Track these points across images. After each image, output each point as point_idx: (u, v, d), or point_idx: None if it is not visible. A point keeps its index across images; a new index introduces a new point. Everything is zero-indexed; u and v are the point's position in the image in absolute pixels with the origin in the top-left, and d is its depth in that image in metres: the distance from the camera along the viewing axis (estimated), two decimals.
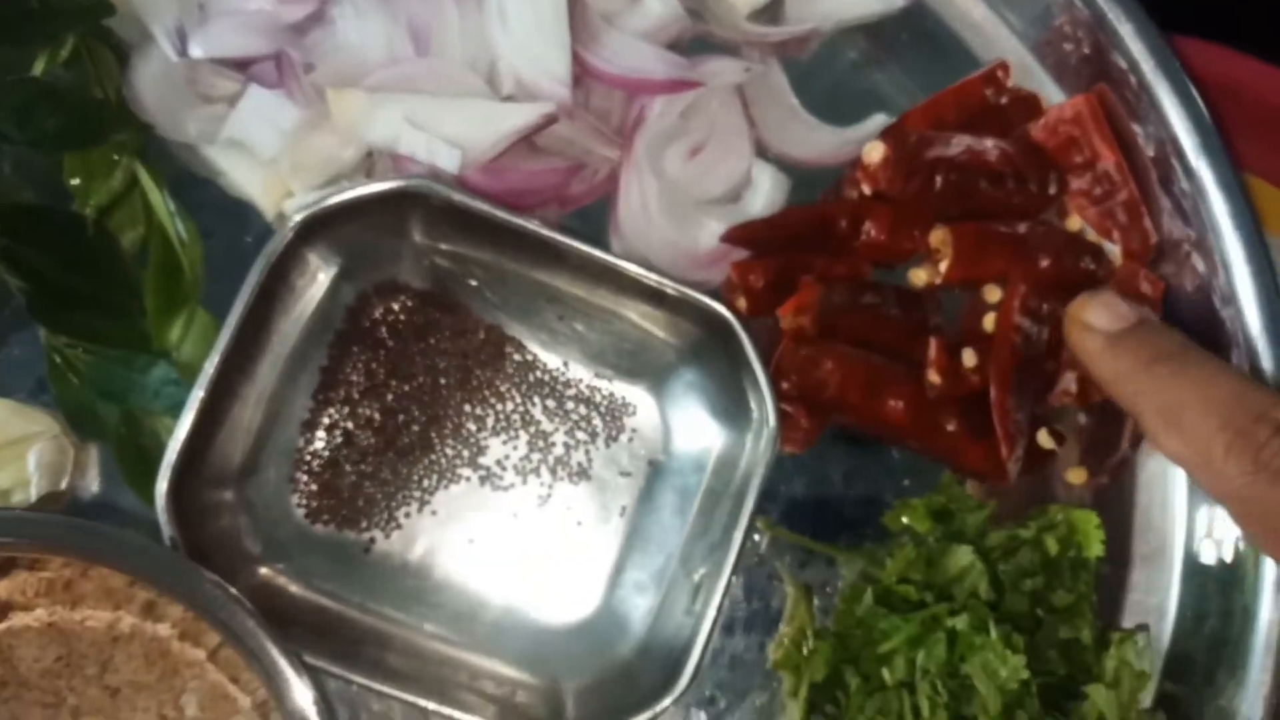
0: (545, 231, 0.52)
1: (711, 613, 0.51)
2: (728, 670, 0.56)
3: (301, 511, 0.55)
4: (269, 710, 0.51)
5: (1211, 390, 0.49)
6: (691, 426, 0.56)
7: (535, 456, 0.57)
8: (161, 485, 0.49)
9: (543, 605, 0.55)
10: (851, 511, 0.59)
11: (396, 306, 0.56)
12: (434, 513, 0.56)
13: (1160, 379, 0.50)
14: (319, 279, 0.55)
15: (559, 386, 0.57)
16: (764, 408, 0.53)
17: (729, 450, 0.55)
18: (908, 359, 0.58)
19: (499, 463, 0.56)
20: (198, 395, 0.50)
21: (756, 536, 0.57)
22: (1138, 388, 0.51)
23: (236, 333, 0.51)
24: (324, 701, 0.48)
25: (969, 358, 0.57)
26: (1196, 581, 0.58)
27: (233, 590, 0.48)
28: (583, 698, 0.52)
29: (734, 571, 0.52)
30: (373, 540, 0.55)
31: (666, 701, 0.50)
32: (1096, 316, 0.54)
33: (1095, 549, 0.55)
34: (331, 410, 0.55)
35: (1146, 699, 0.55)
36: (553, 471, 0.56)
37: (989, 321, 0.58)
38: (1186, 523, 0.58)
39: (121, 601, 0.51)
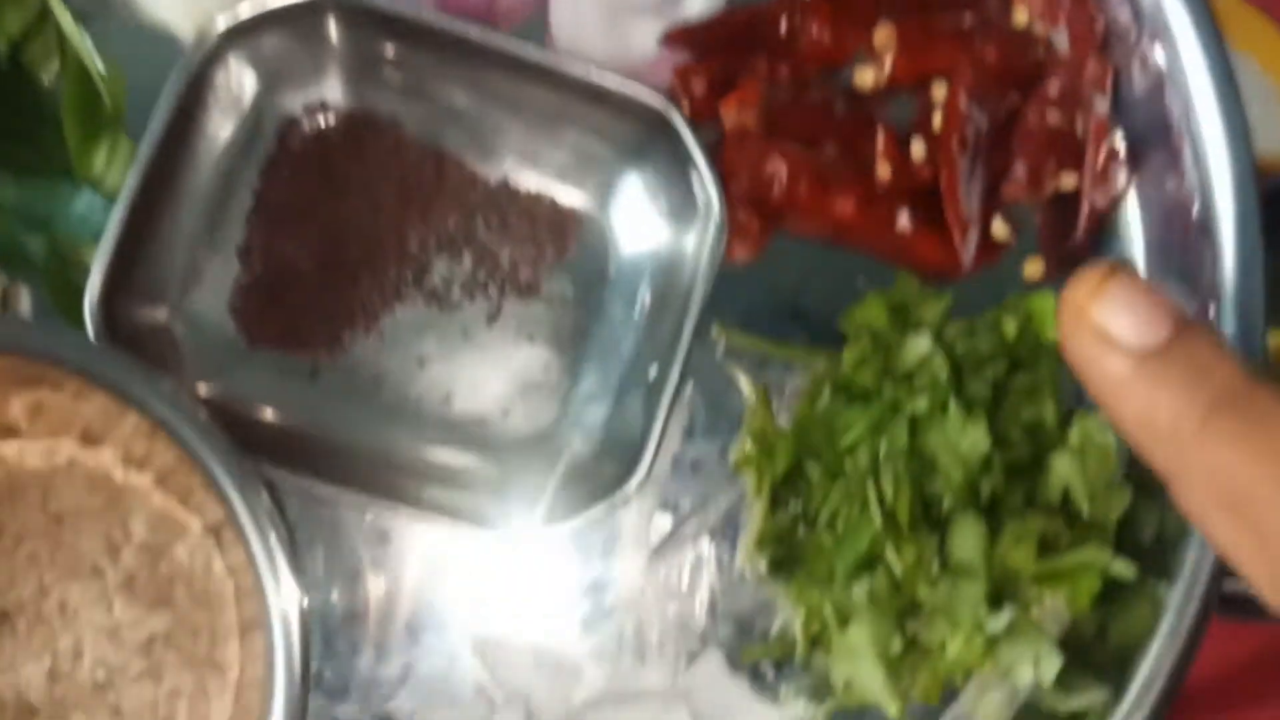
0: (478, 34, 0.51)
1: (665, 403, 0.50)
2: (690, 476, 0.56)
3: (242, 337, 0.54)
4: (221, 530, 0.50)
5: None
6: (638, 232, 0.55)
7: (481, 274, 0.55)
8: (90, 299, 0.47)
9: (497, 420, 0.54)
10: (807, 320, 0.58)
11: (326, 126, 0.54)
12: (380, 335, 0.55)
13: (1219, 443, 0.34)
14: (243, 98, 0.53)
15: (501, 201, 0.55)
16: (709, 203, 0.52)
17: (676, 251, 0.54)
18: (856, 158, 0.57)
19: (444, 282, 0.55)
20: (119, 210, 0.48)
21: (714, 344, 0.56)
22: (1183, 453, 0.35)
23: (157, 150, 0.49)
24: (281, 515, 0.47)
25: (918, 149, 0.56)
26: None
27: (188, 395, 0.46)
28: (540, 499, 0.51)
29: (689, 374, 0.52)
30: (317, 363, 0.54)
31: (626, 490, 0.50)
32: (1118, 320, 0.36)
33: (1054, 327, 0.54)
34: (266, 234, 0.54)
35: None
36: (500, 288, 0.55)
37: (937, 119, 0.57)
38: None
39: (59, 429, 0.49)
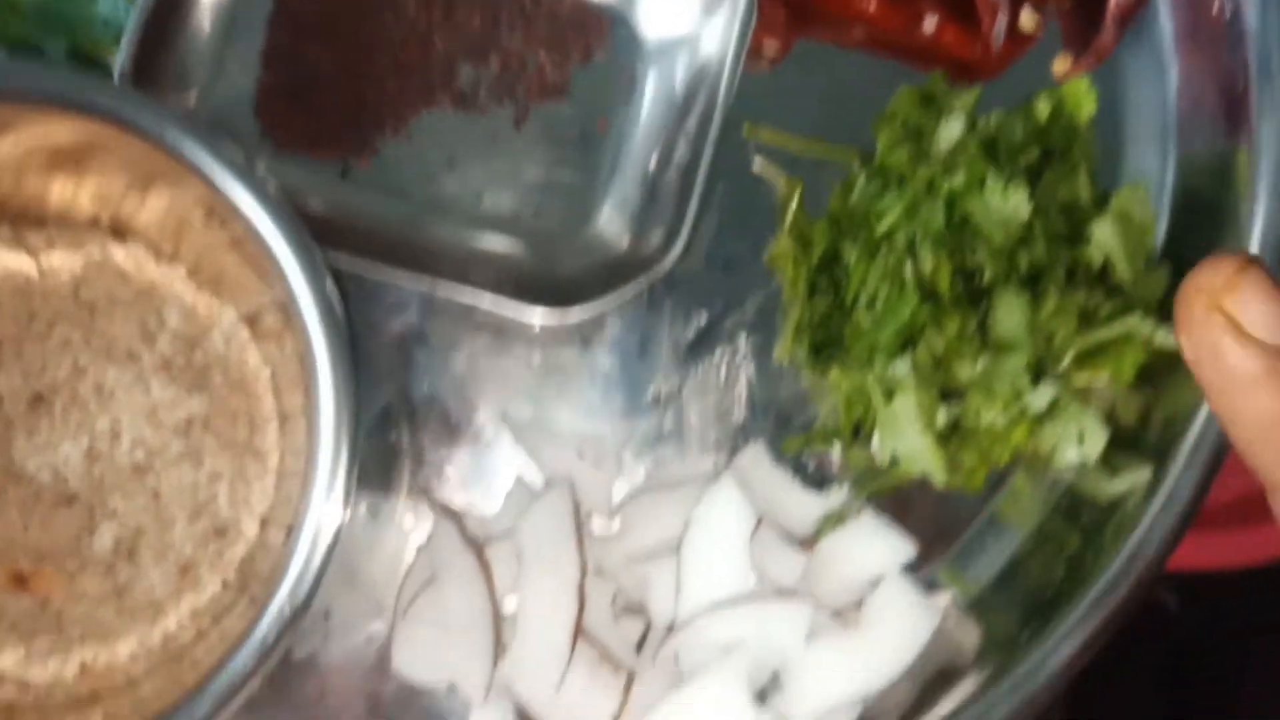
0: None
1: (697, 190, 0.50)
2: (723, 275, 0.55)
3: (268, 141, 0.53)
4: (258, 318, 0.49)
5: None
6: (665, 25, 0.54)
7: (508, 77, 0.55)
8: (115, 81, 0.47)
9: (529, 218, 0.54)
10: (837, 124, 0.57)
11: None
12: (409, 137, 0.54)
13: None
14: None
15: (525, 3, 0.55)
16: None
17: (703, 42, 0.53)
18: None
19: (471, 85, 0.54)
20: (139, 12, 0.48)
21: (744, 146, 0.55)
22: None
23: None
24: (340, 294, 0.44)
25: None
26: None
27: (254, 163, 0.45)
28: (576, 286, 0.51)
29: (719, 176, 0.51)
30: (347, 164, 0.53)
31: (662, 265, 0.49)
32: (1254, 315, 0.34)
33: (1087, 108, 0.54)
34: (289, 38, 0.53)
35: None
36: (527, 91, 0.55)
37: None
38: (1176, 101, 0.57)
39: (99, 206, 0.48)
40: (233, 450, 0.48)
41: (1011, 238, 0.49)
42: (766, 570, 0.50)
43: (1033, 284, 0.50)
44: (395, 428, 0.53)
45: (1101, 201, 0.54)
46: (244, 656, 0.42)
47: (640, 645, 0.50)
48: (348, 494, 0.43)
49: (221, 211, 0.44)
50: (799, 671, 0.49)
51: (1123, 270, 0.51)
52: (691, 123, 0.53)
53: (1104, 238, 0.51)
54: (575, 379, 0.54)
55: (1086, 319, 0.51)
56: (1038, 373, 0.51)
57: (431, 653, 0.50)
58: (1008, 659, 0.52)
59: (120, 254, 0.49)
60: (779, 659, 0.48)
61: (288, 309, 0.45)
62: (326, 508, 0.42)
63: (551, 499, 0.50)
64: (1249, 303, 0.34)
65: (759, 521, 0.50)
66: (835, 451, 0.54)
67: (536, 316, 0.50)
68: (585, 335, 0.54)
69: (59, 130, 0.43)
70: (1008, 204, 0.50)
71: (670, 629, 0.49)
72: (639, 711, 0.48)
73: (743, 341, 0.55)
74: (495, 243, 0.53)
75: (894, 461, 0.51)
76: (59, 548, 0.47)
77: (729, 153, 0.53)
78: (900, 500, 0.54)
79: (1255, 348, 0.34)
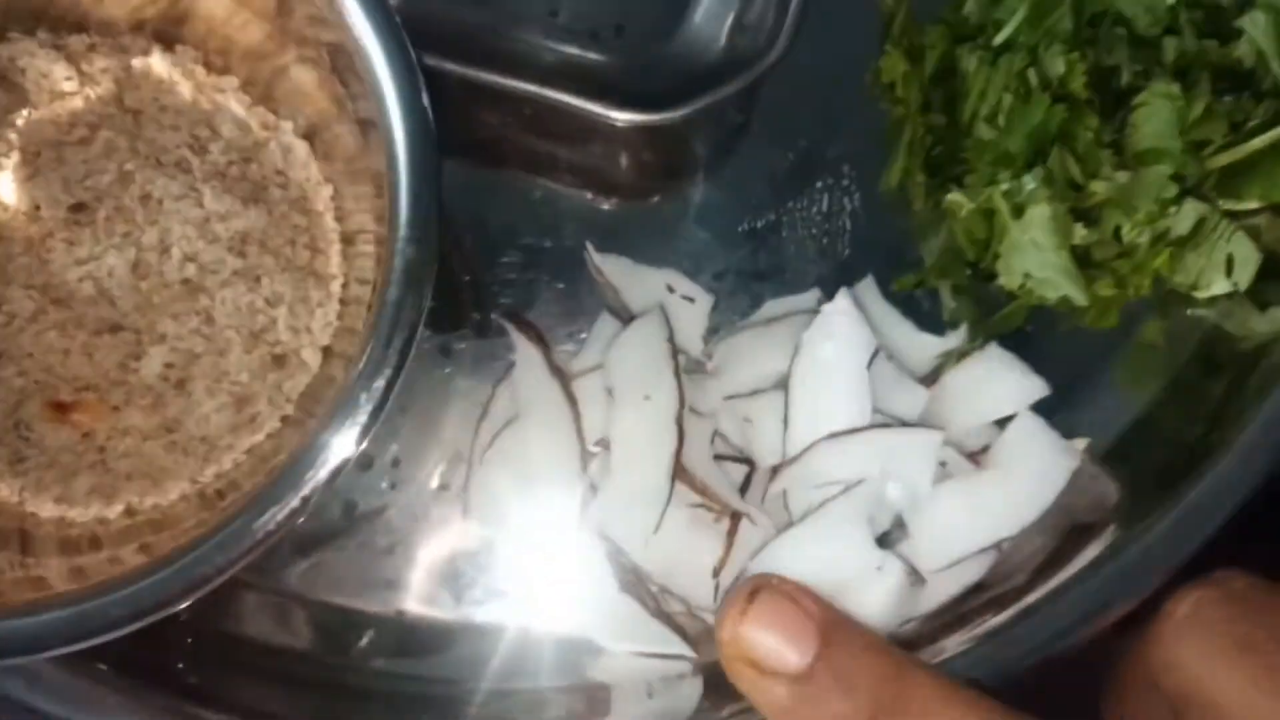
0: None
1: None
2: (821, 98, 0.50)
3: None
4: (316, 135, 0.45)
5: None
6: None
7: None
8: None
9: (610, 35, 0.49)
10: None
11: None
12: None
13: None
14: None
15: None
16: None
17: None
18: None
19: None
20: None
21: None
22: None
23: None
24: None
25: None
26: None
27: None
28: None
29: None
30: None
31: (765, 62, 0.44)
32: (766, 645, 0.36)
33: None
34: None
35: None
36: None
37: None
38: None
39: (140, 21, 0.44)
40: (293, 273, 0.43)
41: (1158, 23, 0.44)
42: (884, 404, 0.45)
43: (1179, 83, 0.45)
44: (466, 258, 0.48)
45: (1244, 7, 0.48)
46: (283, 501, 0.36)
47: (744, 490, 0.45)
48: (417, 329, 0.37)
49: (300, 4, 0.40)
50: (926, 514, 0.43)
51: (1276, 71, 0.46)
52: None
53: (1256, 32, 0.45)
54: (664, 210, 0.49)
55: (1236, 128, 0.46)
56: (1183, 191, 0.45)
57: (511, 498, 0.45)
58: (1143, 516, 0.46)
59: (167, 61, 0.44)
60: (904, 499, 0.43)
61: (362, 123, 0.41)
62: (394, 342, 0.37)
63: (643, 325, 0.45)
64: (762, 634, 0.36)
65: (876, 350, 0.44)
66: (947, 296, 0.49)
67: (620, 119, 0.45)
68: (672, 164, 0.49)
69: None
70: None
71: (777, 470, 0.44)
72: (743, 561, 0.43)
73: (845, 171, 0.50)
74: (576, 56, 0.48)
75: (1023, 289, 0.45)
76: (103, 376, 0.43)
77: None
78: (1021, 344, 0.48)
79: (778, 679, 0.35)
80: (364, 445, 0.35)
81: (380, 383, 0.36)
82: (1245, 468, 0.47)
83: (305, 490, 0.35)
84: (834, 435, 0.43)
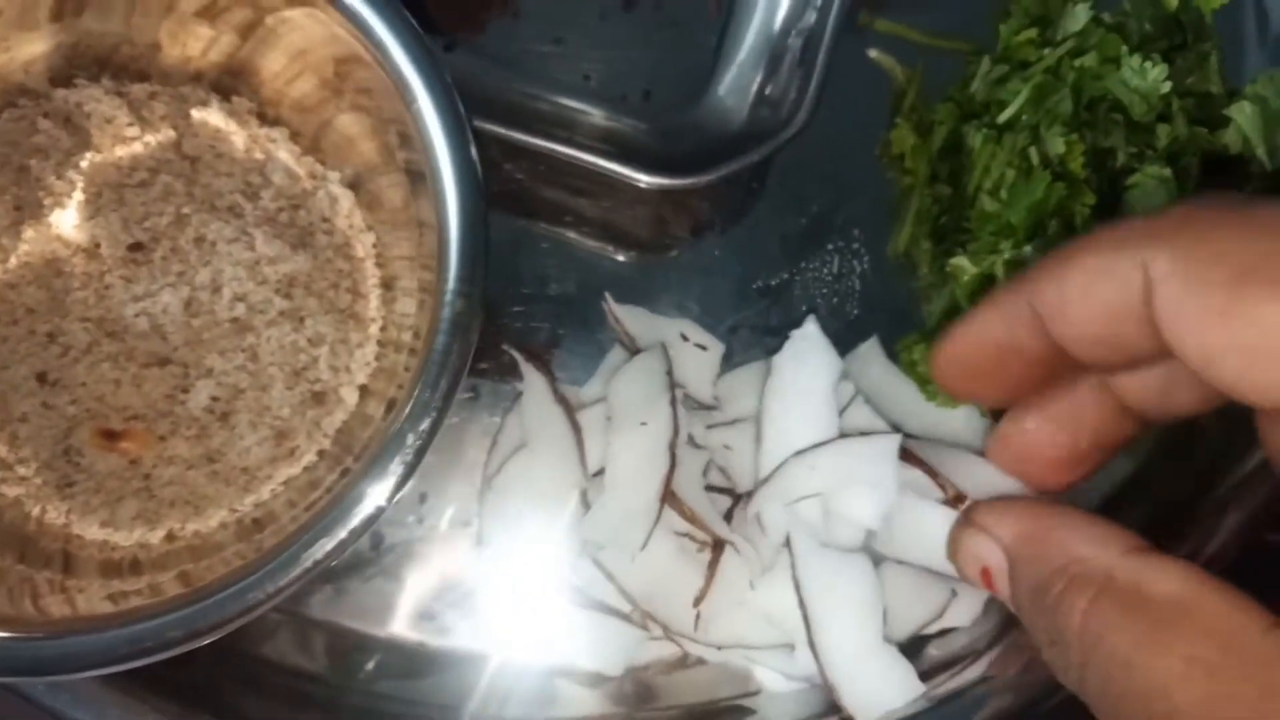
0: None
1: (823, 52, 0.48)
2: (834, 166, 0.53)
3: None
4: (361, 185, 0.48)
5: None
6: None
7: None
8: None
9: (637, 99, 0.52)
10: (952, 18, 0.55)
11: None
12: (516, 14, 0.52)
13: None
14: None
15: None
16: None
17: None
18: None
19: None
20: None
21: (856, 39, 0.54)
22: None
23: None
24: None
25: None
26: None
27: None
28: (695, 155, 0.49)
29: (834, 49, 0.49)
30: (454, 39, 0.52)
31: (784, 136, 0.47)
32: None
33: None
34: None
35: None
36: None
37: None
38: None
39: (200, 71, 0.47)
40: (334, 315, 0.46)
41: (1152, 111, 0.47)
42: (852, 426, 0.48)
43: (1170, 166, 0.48)
44: (495, 304, 0.51)
45: (1232, 97, 0.52)
46: (332, 533, 0.38)
47: (729, 519, 0.48)
48: (461, 376, 0.40)
49: (358, 63, 0.42)
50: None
51: (1261, 157, 0.49)
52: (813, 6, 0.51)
53: (1243, 120, 0.49)
54: (681, 265, 0.52)
55: None
56: None
57: (517, 524, 0.47)
58: None
59: (223, 111, 0.47)
60: (872, 506, 0.45)
61: (408, 174, 0.44)
62: (440, 387, 0.39)
63: (646, 358, 0.48)
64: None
65: (841, 373, 0.48)
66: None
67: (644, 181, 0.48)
68: (692, 223, 0.52)
69: None
70: (1147, 78, 0.48)
71: (752, 492, 0.47)
72: (724, 588, 0.46)
73: (855, 235, 0.53)
74: (605, 119, 0.51)
75: None
76: (151, 407, 0.45)
77: (841, 44, 0.52)
78: None
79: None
80: (411, 481, 0.37)
81: (426, 425, 0.38)
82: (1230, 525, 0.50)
83: (352, 524, 0.37)
84: (801, 452, 0.46)
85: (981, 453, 0.45)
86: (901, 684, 0.44)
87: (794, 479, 0.45)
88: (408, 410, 0.38)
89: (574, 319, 0.51)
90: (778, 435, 0.46)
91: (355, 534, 0.37)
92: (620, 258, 0.53)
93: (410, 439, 0.38)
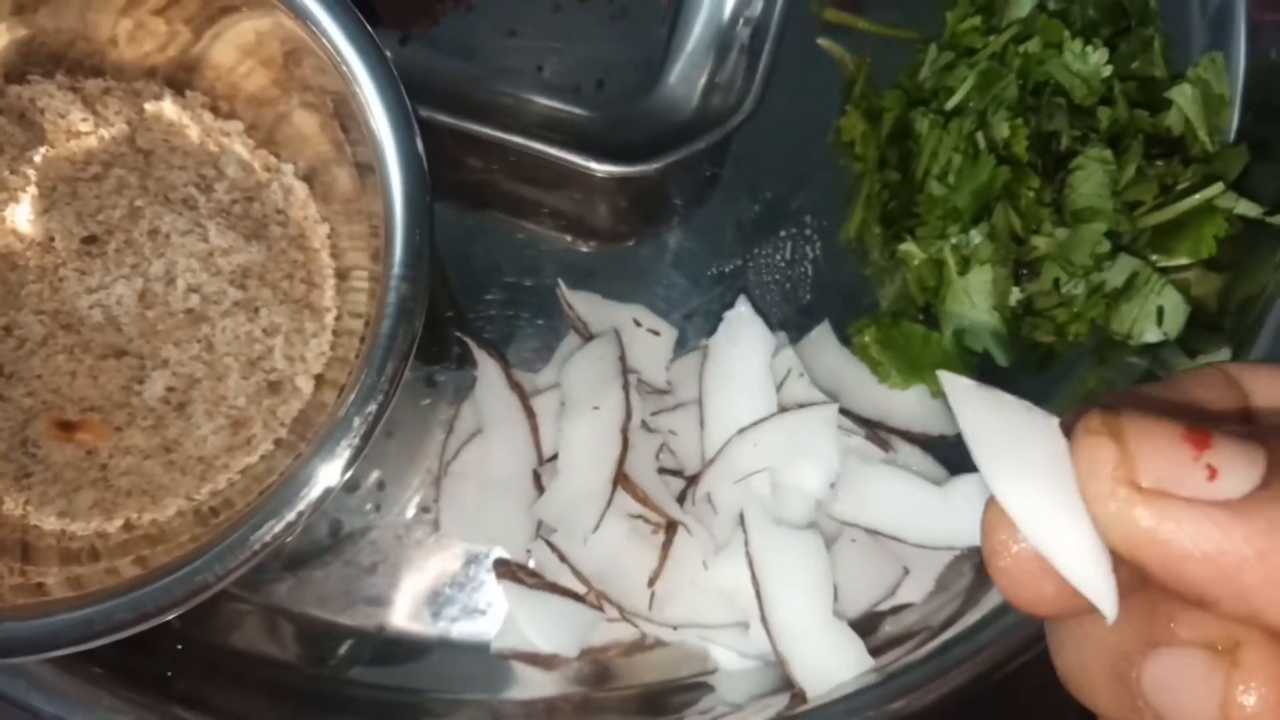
0: None
1: (769, 41, 0.49)
2: (785, 155, 0.54)
3: None
4: (315, 177, 0.48)
5: None
6: None
7: None
8: None
9: (590, 89, 0.53)
10: (897, 7, 0.56)
11: None
12: (469, 6, 0.53)
13: None
14: None
15: None
16: None
17: None
18: None
19: None
20: None
21: (805, 30, 0.54)
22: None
23: None
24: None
25: None
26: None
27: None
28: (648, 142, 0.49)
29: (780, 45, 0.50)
30: (408, 32, 0.52)
31: (729, 124, 0.48)
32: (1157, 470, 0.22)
33: None
34: None
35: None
36: None
37: None
38: None
39: (153, 66, 0.47)
40: (289, 305, 0.46)
41: (1093, 94, 0.48)
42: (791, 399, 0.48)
43: (1112, 148, 0.49)
44: (451, 295, 0.51)
45: (1175, 80, 0.52)
46: (280, 515, 0.38)
47: (681, 502, 0.48)
48: (407, 359, 0.40)
49: (307, 57, 0.43)
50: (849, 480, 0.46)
51: (1203, 139, 0.50)
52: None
53: (1184, 103, 0.50)
54: (638, 254, 0.53)
55: (1166, 190, 0.50)
56: (1116, 247, 0.49)
57: (475, 510, 0.48)
58: None
59: (177, 105, 0.47)
60: (818, 477, 0.46)
61: (359, 167, 0.44)
62: (386, 370, 0.39)
63: (598, 344, 0.48)
64: (1150, 462, 0.23)
65: (776, 349, 0.48)
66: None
67: (598, 169, 0.48)
68: (648, 212, 0.53)
69: None
70: (1089, 62, 0.48)
71: (700, 474, 0.47)
72: (677, 568, 0.46)
73: (808, 221, 0.54)
74: (559, 110, 0.52)
75: (957, 336, 0.49)
76: (108, 398, 0.45)
77: (793, 33, 0.52)
78: None
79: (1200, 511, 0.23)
80: (356, 465, 0.38)
81: (372, 408, 0.39)
82: None
83: (300, 506, 0.38)
84: (744, 430, 0.46)
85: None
86: (851, 658, 0.45)
87: (739, 457, 0.46)
88: (354, 395, 0.39)
89: (530, 307, 0.52)
90: (719, 416, 0.47)
91: (303, 516, 0.38)
92: (578, 247, 0.54)
93: (357, 422, 0.38)
